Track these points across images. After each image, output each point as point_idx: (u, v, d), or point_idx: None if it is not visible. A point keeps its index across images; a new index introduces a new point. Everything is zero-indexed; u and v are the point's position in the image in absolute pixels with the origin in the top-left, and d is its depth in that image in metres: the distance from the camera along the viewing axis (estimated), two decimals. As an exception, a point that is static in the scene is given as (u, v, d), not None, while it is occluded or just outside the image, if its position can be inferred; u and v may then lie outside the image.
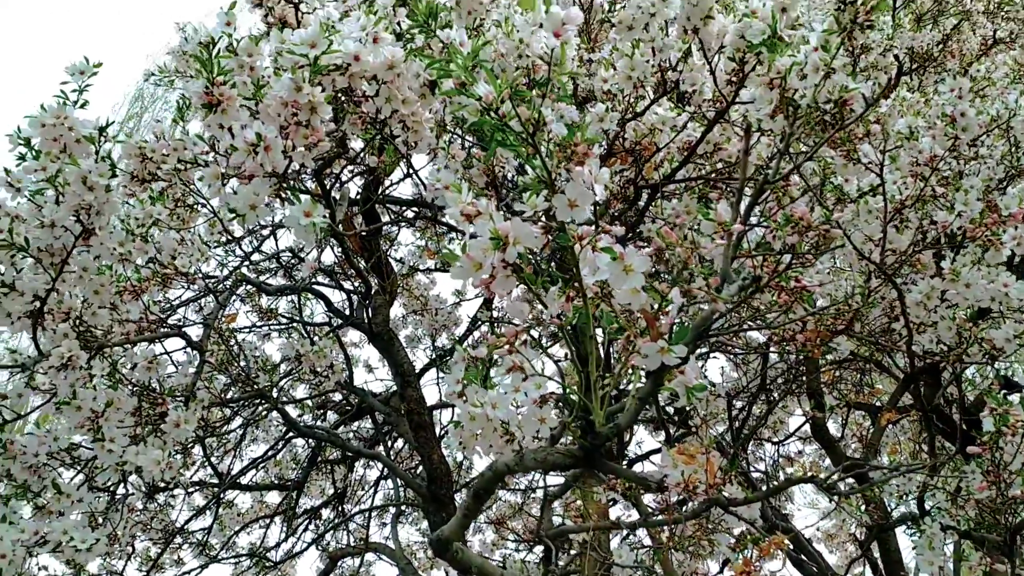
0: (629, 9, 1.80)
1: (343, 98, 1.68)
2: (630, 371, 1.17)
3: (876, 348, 2.69)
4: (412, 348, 4.57)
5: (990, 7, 4.46)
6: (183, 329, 2.72)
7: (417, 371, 3.87)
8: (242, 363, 3.36)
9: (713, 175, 2.35)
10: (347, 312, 3.60)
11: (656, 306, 1.11)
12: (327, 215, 1.48)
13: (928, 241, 2.23)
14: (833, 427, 5.42)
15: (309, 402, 4.13)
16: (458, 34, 1.74)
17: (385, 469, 4.09)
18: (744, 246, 1.52)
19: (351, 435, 4.51)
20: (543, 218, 1.20)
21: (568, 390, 1.18)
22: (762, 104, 1.59)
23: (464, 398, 1.57)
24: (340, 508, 4.33)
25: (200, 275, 2.64)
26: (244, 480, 3.88)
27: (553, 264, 2.35)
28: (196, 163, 2.40)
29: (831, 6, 3.38)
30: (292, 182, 1.57)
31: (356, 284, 3.53)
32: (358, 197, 3.39)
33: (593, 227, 1.18)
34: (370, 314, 3.32)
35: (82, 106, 2.12)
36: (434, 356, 4.43)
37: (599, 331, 1.34)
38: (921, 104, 3.80)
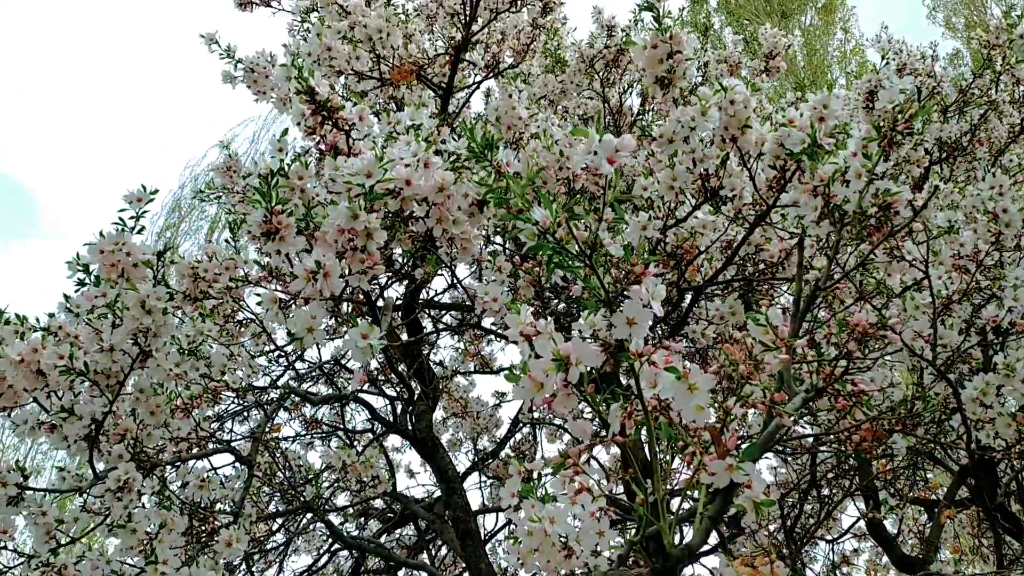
0: (670, 124, 1.85)
1: (394, 218, 1.73)
2: (695, 487, 1.16)
3: (934, 446, 2.63)
4: (454, 452, 4.54)
5: (1015, 96, 4.51)
6: (231, 443, 2.74)
7: (460, 475, 3.84)
8: (287, 474, 3.35)
9: (756, 275, 2.36)
10: (390, 419, 3.61)
11: (721, 422, 1.10)
12: (382, 336, 1.50)
13: (978, 336, 2.21)
14: (889, 523, 5.27)
15: (351, 510, 4.10)
16: (504, 154, 1.80)
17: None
18: (798, 352, 1.52)
19: (394, 543, 4.44)
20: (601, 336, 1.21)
21: (635, 510, 1.16)
22: (807, 210, 1.61)
23: (520, 511, 1.55)
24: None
25: (249, 389, 2.67)
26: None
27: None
28: (247, 281, 2.47)
29: (861, 104, 3.44)
30: (348, 303, 1.60)
31: (399, 390, 3.54)
32: (399, 303, 3.44)
33: (653, 344, 1.19)
34: (413, 421, 3.32)
35: (139, 231, 2.20)
36: (476, 459, 4.40)
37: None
38: (955, 194, 3.82)
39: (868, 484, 3.64)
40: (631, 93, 4.53)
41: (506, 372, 1.19)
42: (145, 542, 2.04)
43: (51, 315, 2.24)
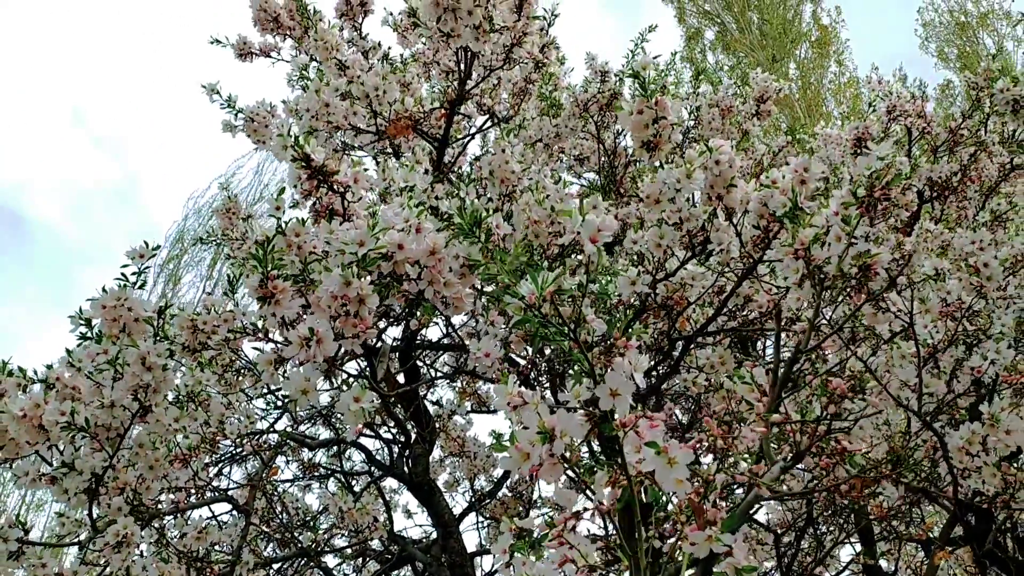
0: (656, 185, 1.90)
1: (387, 278, 1.77)
2: (678, 555, 1.19)
3: (922, 495, 2.66)
4: (451, 492, 4.55)
5: (1004, 136, 4.57)
6: (228, 491, 2.76)
7: (456, 516, 3.86)
8: (284, 518, 3.37)
9: (745, 326, 2.41)
10: (387, 462, 3.63)
11: (701, 492, 1.14)
12: (375, 399, 1.54)
13: (969, 385, 2.24)
14: (885, 562, 5.26)
15: (349, 550, 4.10)
16: (495, 217, 1.85)
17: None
18: (782, 413, 1.56)
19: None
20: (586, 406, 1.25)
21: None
22: (789, 272, 1.66)
23: (511, 567, 1.58)
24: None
25: (247, 438, 2.70)
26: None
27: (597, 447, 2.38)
28: (245, 332, 2.51)
29: (850, 150, 3.50)
30: (342, 364, 1.65)
31: (395, 433, 3.57)
32: (395, 345, 3.48)
33: (636, 414, 1.23)
34: (410, 465, 3.34)
35: (140, 287, 2.25)
36: (473, 499, 4.41)
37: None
38: (945, 233, 3.87)
39: (864, 524, 3.65)
40: (626, 135, 4.60)
41: (494, 442, 1.23)
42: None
43: (49, 367, 2.28)
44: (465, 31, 2.19)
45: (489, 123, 3.32)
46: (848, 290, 1.65)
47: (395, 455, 3.55)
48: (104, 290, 2.21)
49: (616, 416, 1.23)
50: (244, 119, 3.29)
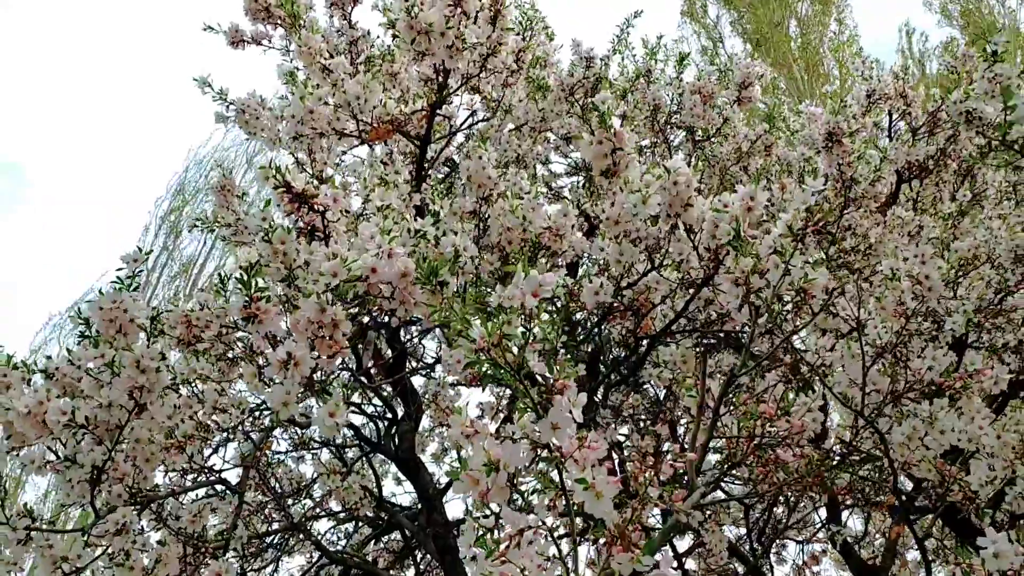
0: (616, 208, 2.04)
1: (362, 297, 1.92)
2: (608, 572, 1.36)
3: (868, 484, 2.84)
4: (439, 463, 4.75)
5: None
6: (222, 471, 2.94)
7: (441, 487, 4.06)
8: (277, 490, 3.56)
9: (706, 326, 2.55)
10: (374, 438, 3.81)
11: (626, 520, 1.30)
12: (348, 417, 1.70)
13: (906, 386, 2.40)
14: (857, 520, 5.49)
15: (341, 515, 4.31)
16: (463, 239, 1.99)
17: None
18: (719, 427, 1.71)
19: (382, 549, 4.67)
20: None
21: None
22: (730, 297, 1.80)
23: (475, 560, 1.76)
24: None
25: (240, 427, 2.86)
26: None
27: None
28: (236, 327, 2.67)
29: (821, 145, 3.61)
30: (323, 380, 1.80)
31: (381, 411, 3.75)
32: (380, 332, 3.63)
33: (576, 444, 1.38)
34: (397, 442, 3.52)
35: (134, 289, 2.39)
36: (459, 460, 4.60)
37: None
38: (916, 220, 4.00)
39: (829, 495, 3.85)
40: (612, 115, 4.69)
41: (448, 469, 1.39)
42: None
43: (48, 358, 2.44)
44: (439, 50, 2.31)
45: (470, 121, 3.44)
46: (785, 313, 1.80)
47: (382, 432, 3.73)
48: (101, 293, 2.36)
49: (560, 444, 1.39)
50: (236, 110, 3.41)
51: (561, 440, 1.37)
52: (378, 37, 3.81)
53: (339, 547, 4.57)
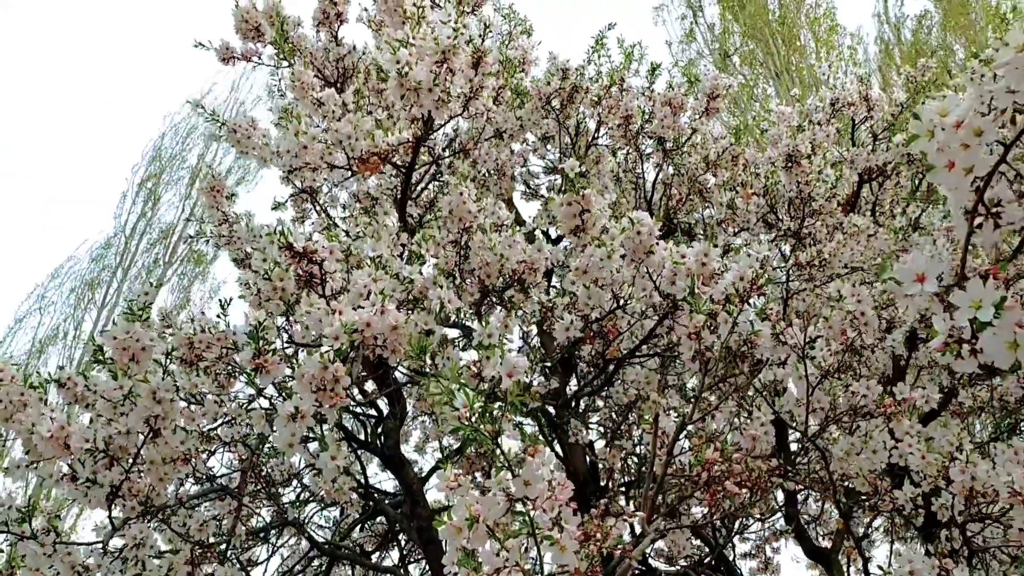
0: (584, 259, 2.27)
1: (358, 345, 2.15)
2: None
3: (812, 491, 3.12)
4: (421, 454, 5.01)
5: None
6: (219, 477, 3.18)
7: (423, 475, 4.34)
8: (269, 477, 3.80)
9: (668, 350, 2.81)
10: (360, 435, 4.07)
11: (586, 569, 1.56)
12: (348, 456, 1.94)
13: (842, 412, 2.68)
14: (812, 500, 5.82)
15: (327, 510, 4.57)
16: (448, 294, 2.22)
17: None
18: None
19: (367, 532, 4.95)
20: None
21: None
22: (684, 350, 2.05)
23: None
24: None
25: (240, 440, 3.10)
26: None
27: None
28: (236, 348, 2.89)
29: (782, 165, 3.85)
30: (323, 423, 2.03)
31: (364, 409, 3.99)
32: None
33: (547, 498, 1.63)
34: (382, 440, 3.77)
35: (145, 320, 2.61)
36: (442, 458, 4.88)
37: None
38: (870, 229, 4.25)
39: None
40: (588, 119, 4.89)
41: (435, 519, 1.64)
42: (157, 582, 2.51)
43: (61, 367, 2.65)
44: (427, 102, 2.51)
45: (450, 154, 3.63)
46: (731, 364, 2.05)
47: (368, 430, 3.98)
48: (114, 322, 2.57)
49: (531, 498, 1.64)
50: (227, 130, 3.59)
51: (532, 494, 1.62)
52: (364, 52, 3.99)
53: (327, 531, 4.85)
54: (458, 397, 1.63)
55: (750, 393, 2.60)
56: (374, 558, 4.85)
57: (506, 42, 4.84)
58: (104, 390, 2.41)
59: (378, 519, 4.95)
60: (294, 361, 2.02)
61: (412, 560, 4.76)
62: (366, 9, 4.31)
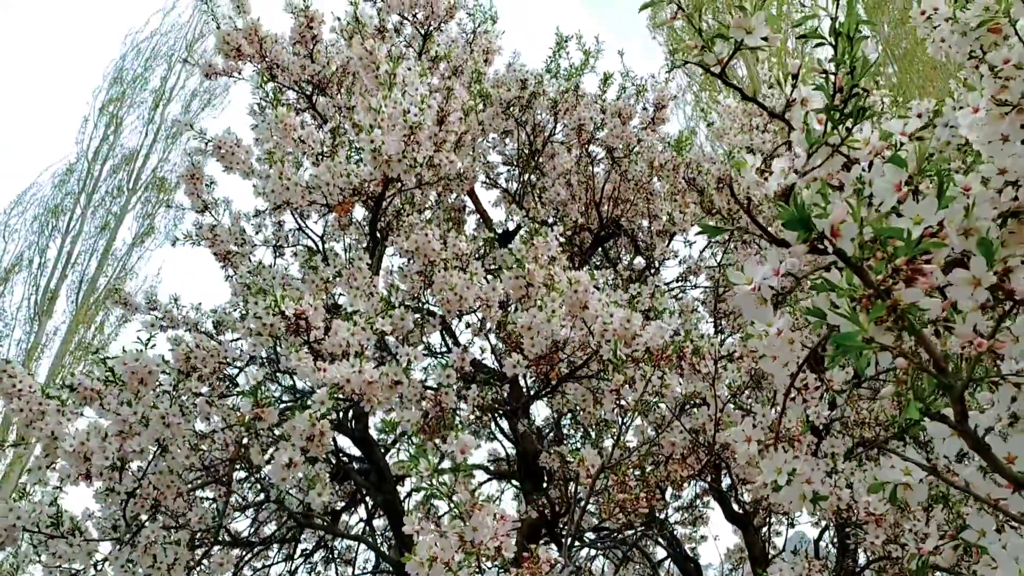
0: (527, 318, 2.72)
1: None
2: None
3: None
4: (388, 435, 5.49)
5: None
6: (211, 466, 3.63)
7: (388, 444, 4.85)
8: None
9: (598, 373, 3.29)
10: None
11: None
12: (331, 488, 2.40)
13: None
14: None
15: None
16: (415, 352, 2.65)
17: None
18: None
19: (337, 491, 5.46)
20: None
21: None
22: (608, 404, 2.52)
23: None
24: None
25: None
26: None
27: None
28: (230, 363, 3.31)
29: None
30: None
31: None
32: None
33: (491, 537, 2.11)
34: (353, 424, 4.24)
35: (152, 347, 3.01)
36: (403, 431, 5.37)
37: None
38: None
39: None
40: (546, 120, 5.26)
41: (403, 556, 2.11)
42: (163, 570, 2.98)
43: (72, 373, 3.07)
44: (397, 168, 2.90)
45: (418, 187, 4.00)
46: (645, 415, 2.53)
47: (339, 415, 4.44)
48: (124, 350, 2.98)
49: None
50: (213, 147, 3.92)
51: (483, 538, 2.10)
52: (337, 68, 4.31)
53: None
54: (421, 461, 2.09)
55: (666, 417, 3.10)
56: (344, 516, 5.38)
57: (470, 41, 5.16)
58: (118, 411, 2.83)
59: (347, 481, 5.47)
60: (286, 414, 2.46)
61: (376, 517, 5.28)
62: (339, 18, 4.60)
